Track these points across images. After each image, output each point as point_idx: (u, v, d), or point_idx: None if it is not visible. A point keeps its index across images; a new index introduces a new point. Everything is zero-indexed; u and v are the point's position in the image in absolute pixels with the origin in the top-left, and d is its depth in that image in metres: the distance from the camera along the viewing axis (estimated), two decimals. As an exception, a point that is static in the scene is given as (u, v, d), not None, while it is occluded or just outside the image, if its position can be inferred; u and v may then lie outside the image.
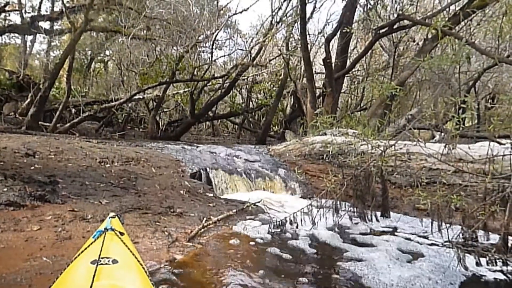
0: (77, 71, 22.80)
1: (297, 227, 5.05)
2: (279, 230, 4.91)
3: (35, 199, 4.50)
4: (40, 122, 12.56)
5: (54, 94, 17.05)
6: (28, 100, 14.83)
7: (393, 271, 3.66)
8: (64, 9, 14.69)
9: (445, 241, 4.45)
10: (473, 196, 5.16)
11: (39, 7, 20.08)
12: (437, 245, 4.64)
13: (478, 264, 3.73)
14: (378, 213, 5.88)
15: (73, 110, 15.35)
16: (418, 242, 4.80)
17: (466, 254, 3.73)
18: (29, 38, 21.93)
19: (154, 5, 15.45)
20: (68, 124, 13.06)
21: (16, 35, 22.02)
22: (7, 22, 22.05)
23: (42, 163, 6.04)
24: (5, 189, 4.49)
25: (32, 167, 5.72)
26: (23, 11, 19.94)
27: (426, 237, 5.01)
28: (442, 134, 11.60)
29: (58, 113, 12.68)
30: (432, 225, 4.71)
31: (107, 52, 24.28)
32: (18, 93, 16.85)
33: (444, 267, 3.81)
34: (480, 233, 4.11)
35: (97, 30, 18.37)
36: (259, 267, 3.58)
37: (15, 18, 22.91)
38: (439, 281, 3.51)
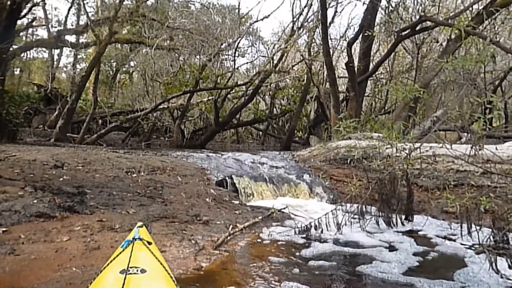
0: (103, 83, 23.28)
1: (322, 232, 5.01)
2: (304, 235, 4.90)
3: (64, 210, 4.58)
4: (68, 134, 12.84)
5: (81, 106, 17.38)
6: (56, 112, 15.19)
7: (422, 274, 3.61)
8: (89, 23, 15.03)
9: (475, 244, 4.37)
10: (502, 197, 5.07)
11: (65, 22, 20.68)
12: (467, 248, 4.55)
13: (510, 267, 3.64)
14: (404, 217, 5.78)
15: (100, 121, 15.68)
16: (447, 246, 4.72)
17: (498, 257, 3.64)
18: (56, 52, 22.49)
19: (176, 16, 15.65)
20: (95, 135, 13.31)
21: (44, 49, 22.59)
22: (34, 36, 22.71)
23: (70, 174, 6.16)
24: (35, 201, 4.59)
25: (61, 179, 5.83)
26: (49, 26, 20.49)
27: (455, 240, 4.93)
28: (469, 135, 11.40)
29: (85, 124, 12.95)
30: (461, 228, 4.63)
31: (132, 63, 24.71)
32: (46, 106, 17.30)
33: (474, 271, 3.74)
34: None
35: (122, 41, 18.74)
36: (287, 274, 3.57)
37: (42, 33, 23.53)
38: (470, 285, 3.45)
